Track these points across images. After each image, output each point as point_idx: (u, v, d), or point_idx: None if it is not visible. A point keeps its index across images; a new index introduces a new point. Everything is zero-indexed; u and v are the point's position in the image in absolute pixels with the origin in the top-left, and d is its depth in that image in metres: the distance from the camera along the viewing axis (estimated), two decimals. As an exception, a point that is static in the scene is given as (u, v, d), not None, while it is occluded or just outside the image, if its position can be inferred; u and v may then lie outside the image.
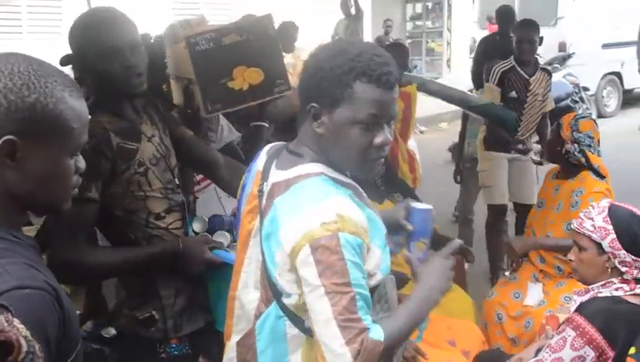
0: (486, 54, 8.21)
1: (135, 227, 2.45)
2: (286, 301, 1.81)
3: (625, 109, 12.52)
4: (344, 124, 1.81)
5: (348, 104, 1.80)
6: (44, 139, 1.41)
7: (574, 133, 3.93)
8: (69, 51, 2.48)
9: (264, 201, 1.89)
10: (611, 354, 2.51)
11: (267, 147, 2.08)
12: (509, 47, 8.19)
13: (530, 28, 5.50)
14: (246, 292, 1.96)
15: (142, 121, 2.52)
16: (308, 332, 1.81)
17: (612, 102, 13.04)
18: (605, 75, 12.72)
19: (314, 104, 1.83)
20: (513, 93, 5.38)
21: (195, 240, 2.53)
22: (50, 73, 1.43)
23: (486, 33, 14.85)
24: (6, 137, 1.36)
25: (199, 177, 3.06)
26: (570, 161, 3.94)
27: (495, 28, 13.46)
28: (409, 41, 16.82)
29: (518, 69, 5.38)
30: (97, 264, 2.36)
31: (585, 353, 2.53)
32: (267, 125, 3.01)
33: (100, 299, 3.73)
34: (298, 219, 1.75)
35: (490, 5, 14.09)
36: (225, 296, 2.17)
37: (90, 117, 2.32)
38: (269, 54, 2.87)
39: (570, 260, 2.80)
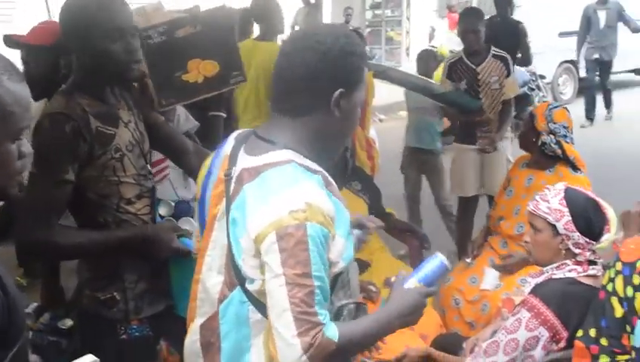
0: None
1: (106, 211, 2.47)
2: (249, 286, 1.81)
3: (580, 97, 12.69)
4: (357, 105, 1.93)
5: (361, 86, 1.91)
6: None
7: (550, 124, 3.96)
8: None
9: (232, 186, 1.88)
10: (565, 334, 2.56)
11: (236, 132, 2.07)
12: (511, 29, 8.32)
13: (473, 17, 5.51)
14: (209, 276, 1.96)
15: (119, 107, 2.54)
16: (245, 307, 1.85)
17: (568, 89, 13.27)
18: (561, 63, 12.93)
19: (342, 89, 1.85)
20: (463, 84, 5.39)
21: (164, 228, 2.56)
22: None
23: (445, 22, 15.00)
24: None
25: (154, 170, 3.06)
26: (545, 152, 3.97)
27: (454, 17, 13.56)
28: (368, 29, 16.87)
29: (466, 59, 5.40)
30: (68, 245, 2.39)
31: (539, 333, 2.57)
32: (224, 115, 3.03)
33: (58, 290, 3.70)
34: (266, 207, 1.75)
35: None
36: (187, 282, 2.17)
37: (69, 98, 2.39)
38: (224, 46, 2.89)
39: (526, 242, 2.85)
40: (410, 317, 1.92)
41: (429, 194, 6.24)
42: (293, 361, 1.71)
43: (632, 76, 14.68)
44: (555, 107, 4.11)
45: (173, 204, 2.78)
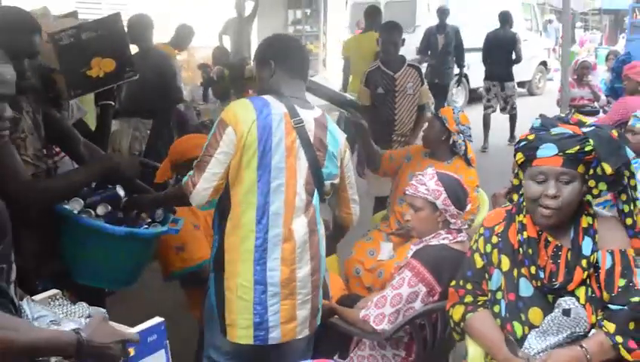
0: (491, 50, 10.29)
1: None
2: (332, 181, 2.83)
3: (470, 105, 13.24)
4: None
5: None
6: None
7: (459, 125, 4.14)
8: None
9: (313, 129, 2.73)
10: (438, 289, 2.81)
11: (269, 99, 2.70)
12: (510, 38, 10.06)
13: (393, 31, 5.58)
14: (300, 188, 2.70)
15: (20, 99, 2.63)
16: (318, 201, 2.80)
17: (460, 98, 13.74)
18: (455, 75, 13.35)
19: None
20: (380, 90, 5.46)
21: (126, 157, 2.74)
22: None
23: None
24: None
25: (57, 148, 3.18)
26: (453, 149, 4.15)
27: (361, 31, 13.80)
28: (290, 43, 16.94)
29: (383, 67, 5.47)
30: (62, 185, 2.65)
31: (419, 289, 2.81)
32: (113, 103, 3.22)
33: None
34: (340, 137, 2.85)
35: (359, 13, 14.57)
36: (77, 249, 2.75)
37: None
38: (120, 47, 3.10)
39: (407, 220, 3.08)
40: None
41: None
42: (358, 212, 3.04)
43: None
44: (459, 111, 4.29)
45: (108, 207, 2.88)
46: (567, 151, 2.18)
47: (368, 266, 4.07)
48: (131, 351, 1.91)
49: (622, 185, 2.25)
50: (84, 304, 2.21)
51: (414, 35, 12.95)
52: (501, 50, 10.12)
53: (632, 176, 2.24)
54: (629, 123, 4.70)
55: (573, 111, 2.12)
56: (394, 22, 5.88)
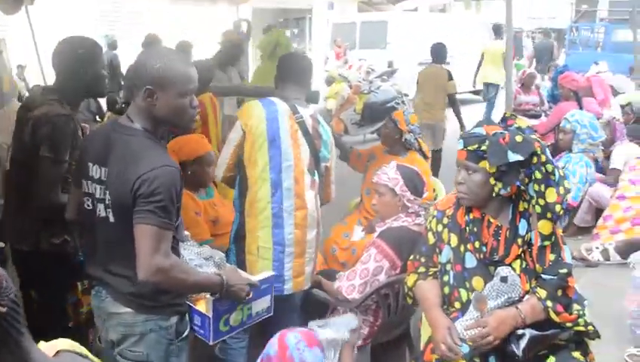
0: None
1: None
2: (326, 164, 3.00)
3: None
4: None
5: None
6: None
7: (409, 125, 4.20)
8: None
9: (311, 122, 2.93)
10: (399, 263, 2.84)
11: (272, 100, 2.92)
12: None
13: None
14: (305, 168, 2.88)
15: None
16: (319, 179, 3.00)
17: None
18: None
19: None
20: None
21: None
22: None
23: (333, 52, 15.29)
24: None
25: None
26: (405, 145, 4.22)
27: (337, 50, 13.84)
28: (280, 58, 16.95)
29: None
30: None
31: (382, 264, 2.85)
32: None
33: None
34: (328, 128, 3.05)
35: (338, 31, 14.59)
36: None
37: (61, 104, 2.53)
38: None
39: (374, 204, 3.12)
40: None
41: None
42: (334, 192, 3.14)
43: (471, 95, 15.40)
44: (409, 113, 4.36)
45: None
46: (468, 148, 2.24)
47: (343, 246, 4.08)
48: (250, 294, 2.28)
49: (516, 182, 2.21)
50: (207, 246, 2.55)
51: (385, 51, 13.02)
52: None
53: (548, 162, 2.20)
54: (561, 124, 4.75)
55: (512, 115, 2.12)
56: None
